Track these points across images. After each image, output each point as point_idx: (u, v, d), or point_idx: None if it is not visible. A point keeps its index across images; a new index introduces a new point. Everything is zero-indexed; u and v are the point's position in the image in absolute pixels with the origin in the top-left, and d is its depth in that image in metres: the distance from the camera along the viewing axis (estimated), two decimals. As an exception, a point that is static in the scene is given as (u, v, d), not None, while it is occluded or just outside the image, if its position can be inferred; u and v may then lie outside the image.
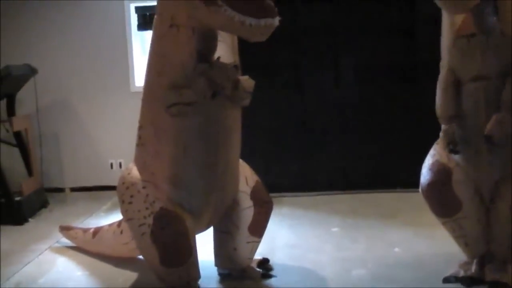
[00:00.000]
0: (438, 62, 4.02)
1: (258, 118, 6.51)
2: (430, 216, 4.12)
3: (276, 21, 3.16)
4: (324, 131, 6.96)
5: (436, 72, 4.02)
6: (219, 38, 3.65)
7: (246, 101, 3.76)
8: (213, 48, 3.63)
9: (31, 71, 6.74)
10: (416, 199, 4.31)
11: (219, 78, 3.50)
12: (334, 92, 6.94)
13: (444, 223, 3.99)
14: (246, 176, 4.10)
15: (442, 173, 3.91)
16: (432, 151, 4.04)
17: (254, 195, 4.06)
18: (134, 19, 7.50)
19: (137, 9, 7.47)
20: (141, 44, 7.61)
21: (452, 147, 3.86)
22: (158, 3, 3.54)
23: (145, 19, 7.31)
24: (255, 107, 6.60)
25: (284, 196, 6.60)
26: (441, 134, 3.97)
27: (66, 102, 7.61)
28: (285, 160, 6.91)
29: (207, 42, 3.55)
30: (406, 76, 6.80)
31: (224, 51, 3.75)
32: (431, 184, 3.94)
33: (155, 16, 3.56)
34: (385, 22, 6.84)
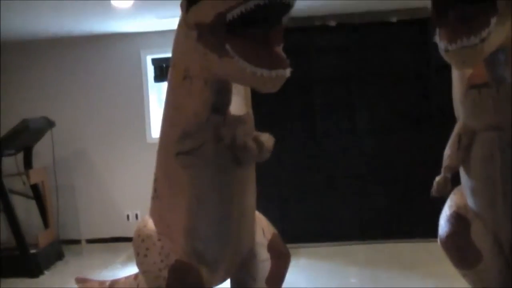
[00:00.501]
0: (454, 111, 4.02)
1: (274, 168, 6.51)
2: (450, 268, 4.05)
3: (288, 72, 3.14)
4: (340, 180, 6.94)
5: (452, 120, 4.02)
6: (234, 91, 3.66)
7: (266, 157, 3.76)
8: (227, 102, 3.64)
9: (49, 124, 6.82)
10: (435, 250, 4.24)
11: (231, 132, 3.50)
12: (350, 141, 6.95)
13: (464, 275, 3.91)
14: (263, 228, 4.06)
15: (460, 224, 3.85)
16: (449, 202, 4.00)
17: (271, 247, 4.00)
18: (150, 70, 7.62)
19: (154, 61, 7.59)
20: (157, 95, 7.70)
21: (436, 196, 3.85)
22: (172, 55, 3.58)
23: (162, 71, 7.41)
24: (271, 156, 6.65)
25: (301, 247, 6.55)
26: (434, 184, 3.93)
27: (82, 154, 7.68)
28: (302, 210, 6.89)
29: (221, 96, 3.56)
30: (422, 125, 6.81)
31: (238, 104, 3.76)
32: (450, 236, 3.87)
33: (170, 68, 3.60)
34: (400, 70, 6.90)
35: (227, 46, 3.03)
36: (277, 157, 6.40)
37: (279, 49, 3.17)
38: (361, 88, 6.91)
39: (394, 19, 6.78)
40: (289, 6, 3.09)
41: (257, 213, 4.05)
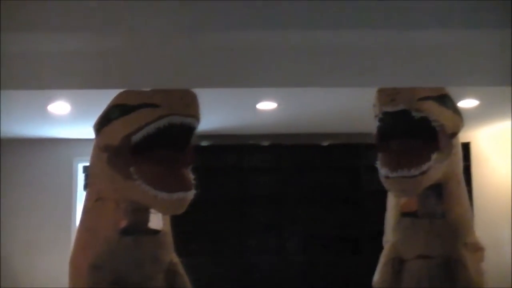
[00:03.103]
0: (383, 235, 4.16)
1: (203, 285, 6.42)
2: None
3: (190, 194, 3.17)
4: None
5: (381, 244, 4.14)
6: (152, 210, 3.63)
7: None
8: (144, 221, 3.64)
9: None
10: None
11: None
12: (279, 260, 6.96)
13: None
14: None
15: None
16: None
17: None
18: (81, 178, 7.53)
19: (85, 168, 7.52)
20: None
21: None
22: (88, 175, 3.59)
23: (91, 178, 7.32)
24: (198, 271, 6.55)
25: None
26: None
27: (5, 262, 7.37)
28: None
29: (137, 215, 3.57)
30: (352, 248, 6.93)
31: (156, 220, 3.74)
32: None
33: (87, 188, 3.59)
34: (331, 193, 7.08)
35: (131, 169, 3.10)
36: (205, 273, 6.38)
37: (186, 170, 3.24)
38: (292, 209, 7.03)
39: (326, 143, 7.04)
40: (192, 128, 3.21)
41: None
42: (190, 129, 3.23)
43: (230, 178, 7.03)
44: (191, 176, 3.24)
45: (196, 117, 3.25)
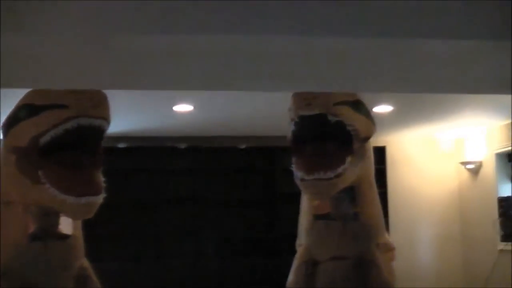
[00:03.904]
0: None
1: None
2: None
3: (99, 198, 3.12)
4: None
5: (295, 248, 4.19)
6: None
7: None
8: (54, 224, 3.55)
9: None
10: None
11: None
12: (195, 263, 6.93)
13: None
14: None
15: None
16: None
17: None
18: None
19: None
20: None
21: None
22: None
23: None
24: (113, 276, 6.43)
25: None
26: None
27: None
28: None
29: (47, 219, 3.48)
30: (267, 250, 6.96)
31: (66, 224, 3.65)
32: None
33: None
34: (247, 195, 7.10)
35: (40, 173, 3.01)
36: (124, 278, 6.28)
37: (96, 173, 3.18)
38: (208, 212, 7.00)
39: (242, 146, 7.05)
40: (101, 130, 3.15)
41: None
42: (100, 131, 3.15)
43: (146, 181, 6.94)
44: (101, 179, 3.17)
45: (105, 118, 3.18)
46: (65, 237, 3.56)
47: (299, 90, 3.38)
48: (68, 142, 3.11)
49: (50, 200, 3.08)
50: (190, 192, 7.01)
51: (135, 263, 6.70)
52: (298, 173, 3.48)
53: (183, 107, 5.54)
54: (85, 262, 3.66)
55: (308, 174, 3.41)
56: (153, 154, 6.95)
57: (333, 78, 3.14)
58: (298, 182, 3.50)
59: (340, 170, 3.42)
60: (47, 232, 3.48)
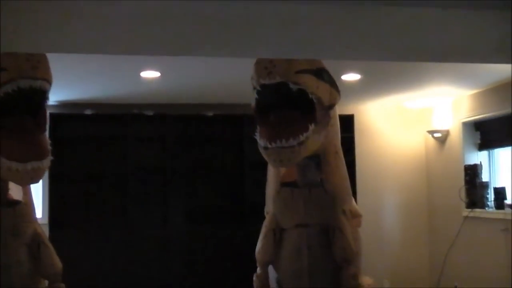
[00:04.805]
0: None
1: (80, 257, 6.29)
2: None
3: (45, 162, 3.07)
4: (151, 269, 6.84)
5: (263, 216, 4.20)
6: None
7: None
8: (3, 190, 3.49)
9: None
10: None
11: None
12: (162, 231, 6.92)
13: None
14: None
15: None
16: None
17: None
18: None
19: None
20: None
21: None
22: None
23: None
24: (78, 245, 6.41)
25: None
26: (254, 278, 4.06)
27: None
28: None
29: None
30: (235, 219, 6.97)
31: (16, 190, 3.60)
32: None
33: None
34: (215, 163, 7.09)
35: None
36: (84, 246, 6.26)
37: (42, 137, 3.12)
38: (175, 179, 6.98)
39: (210, 113, 7.01)
40: (43, 92, 3.09)
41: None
42: (41, 92, 3.08)
43: (112, 149, 6.87)
44: (47, 143, 3.11)
45: (46, 79, 3.11)
46: (14, 203, 3.50)
47: (265, 56, 3.34)
48: (10, 106, 3.04)
49: None
50: (157, 160, 6.97)
51: (101, 232, 6.66)
52: (261, 141, 3.47)
53: (150, 74, 5.47)
54: (38, 228, 3.62)
55: (270, 142, 3.40)
56: (120, 121, 6.87)
57: (300, 44, 3.11)
58: (261, 150, 3.49)
59: (302, 138, 3.41)
60: None
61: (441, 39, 3.19)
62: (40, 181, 6.25)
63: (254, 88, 3.51)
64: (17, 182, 3.20)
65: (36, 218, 3.67)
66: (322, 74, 3.59)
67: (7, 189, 3.49)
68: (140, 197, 6.90)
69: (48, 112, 3.35)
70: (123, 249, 6.76)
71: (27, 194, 3.60)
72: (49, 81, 3.13)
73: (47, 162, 3.06)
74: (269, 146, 3.40)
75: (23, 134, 3.07)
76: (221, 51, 3.17)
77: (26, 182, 3.17)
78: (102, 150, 6.86)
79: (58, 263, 3.62)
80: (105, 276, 6.62)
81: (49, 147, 3.13)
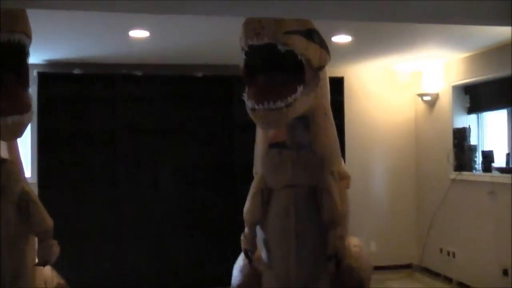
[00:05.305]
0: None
1: (71, 217, 6.31)
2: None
3: (27, 117, 3.03)
4: (140, 230, 6.88)
5: (252, 177, 4.20)
6: None
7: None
8: None
9: None
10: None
11: None
12: (152, 193, 6.94)
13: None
14: (46, 279, 3.84)
15: (252, 276, 4.05)
16: (243, 253, 4.15)
17: None
18: None
19: None
20: None
21: (248, 253, 4.01)
22: None
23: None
24: (65, 206, 6.41)
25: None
26: (242, 238, 4.08)
27: None
28: (97, 261, 6.67)
29: None
30: (225, 179, 6.99)
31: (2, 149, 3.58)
32: (241, 286, 4.08)
33: None
34: (205, 124, 7.07)
35: None
36: (73, 208, 6.27)
37: (23, 92, 3.08)
38: (165, 140, 6.97)
39: (199, 74, 6.97)
40: (22, 46, 3.05)
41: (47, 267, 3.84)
42: (20, 46, 3.04)
43: (101, 109, 6.83)
44: (29, 99, 3.07)
45: (25, 33, 3.06)
46: (2, 163, 3.48)
47: (254, 15, 3.29)
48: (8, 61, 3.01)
49: None
50: (146, 121, 6.94)
51: (90, 192, 6.67)
52: (248, 103, 3.45)
53: (139, 33, 5.41)
54: (26, 187, 3.59)
55: (258, 104, 3.38)
56: (109, 81, 6.82)
57: (290, 3, 3.07)
58: (249, 112, 3.47)
59: (290, 100, 3.39)
60: None
61: (437, 0, 3.15)
62: (29, 141, 6.43)
63: (242, 49, 3.47)
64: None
65: (24, 177, 3.65)
66: (312, 35, 3.55)
67: None
68: (129, 157, 6.88)
69: (30, 69, 3.30)
70: (111, 208, 6.78)
71: (14, 152, 3.57)
72: (28, 35, 3.08)
73: (28, 116, 3.03)
74: (256, 107, 3.39)
75: (4, 89, 3.02)
76: (211, 9, 3.12)
77: (7, 137, 3.13)
78: (91, 110, 6.82)
79: (48, 219, 3.61)
80: (93, 235, 6.66)
81: (31, 103, 3.09)
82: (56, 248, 3.60)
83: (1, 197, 3.35)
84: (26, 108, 3.02)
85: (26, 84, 3.13)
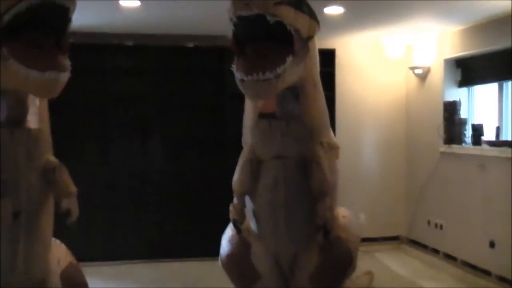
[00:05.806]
0: (242, 138, 4.21)
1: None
2: (231, 285, 4.22)
3: (64, 76, 2.99)
4: (131, 200, 6.91)
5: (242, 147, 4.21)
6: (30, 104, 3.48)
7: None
8: (22, 112, 3.48)
9: None
10: (218, 268, 4.36)
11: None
12: (142, 163, 6.96)
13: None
14: (59, 257, 3.85)
15: (240, 246, 4.07)
16: (232, 224, 4.16)
17: (65, 278, 3.80)
18: None
19: None
20: None
21: (237, 223, 4.02)
22: None
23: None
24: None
25: (84, 266, 6.34)
26: (230, 208, 4.09)
27: None
28: (90, 230, 6.69)
29: (17, 107, 3.41)
30: (215, 150, 7.01)
31: (33, 117, 3.58)
32: (229, 256, 4.09)
33: None
34: (196, 95, 7.06)
35: (4, 50, 2.90)
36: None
37: (62, 55, 3.05)
38: (156, 111, 6.97)
39: (191, 44, 6.93)
40: (66, 9, 3.01)
41: (55, 241, 3.86)
42: (64, 10, 2.99)
43: (92, 79, 6.79)
44: (67, 63, 3.04)
45: None
46: (31, 129, 3.49)
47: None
48: (32, 22, 2.97)
49: (15, 77, 2.93)
50: (137, 91, 6.92)
51: (81, 162, 6.67)
52: (237, 74, 3.43)
53: (130, 3, 5.37)
54: (52, 157, 3.58)
55: (247, 75, 3.36)
56: (100, 51, 6.78)
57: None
58: (238, 83, 3.45)
59: (279, 71, 3.37)
60: (14, 121, 3.39)
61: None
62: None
63: (231, 20, 3.44)
64: (34, 92, 3.13)
65: (51, 148, 3.63)
66: (301, 5, 3.53)
67: (26, 111, 3.46)
68: (120, 127, 6.88)
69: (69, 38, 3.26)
70: (102, 179, 6.80)
71: (45, 122, 3.57)
72: (73, 1, 3.03)
73: (65, 76, 2.98)
74: (245, 78, 3.37)
75: (42, 49, 2.99)
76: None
77: (43, 93, 3.09)
78: (81, 80, 6.75)
79: (73, 185, 3.61)
80: (82, 201, 6.65)
81: (69, 66, 3.05)
82: (77, 209, 3.60)
83: (26, 162, 3.34)
84: (63, 67, 2.98)
85: (66, 51, 3.08)
